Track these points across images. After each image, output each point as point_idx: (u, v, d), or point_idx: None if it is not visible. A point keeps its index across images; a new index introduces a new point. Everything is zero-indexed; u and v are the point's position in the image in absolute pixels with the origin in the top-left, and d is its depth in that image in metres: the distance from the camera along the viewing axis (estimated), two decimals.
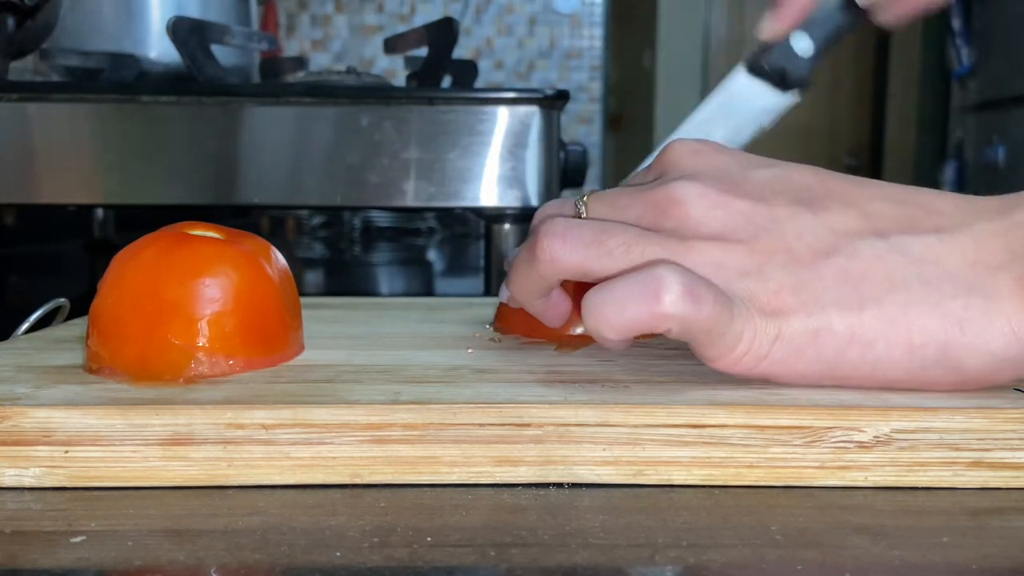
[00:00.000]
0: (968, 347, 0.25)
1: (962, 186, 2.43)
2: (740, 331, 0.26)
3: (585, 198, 0.30)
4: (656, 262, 0.26)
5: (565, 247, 0.27)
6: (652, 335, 0.33)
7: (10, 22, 0.62)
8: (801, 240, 0.26)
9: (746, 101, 0.41)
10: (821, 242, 0.26)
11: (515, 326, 0.36)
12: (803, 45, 0.40)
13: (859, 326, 0.25)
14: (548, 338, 0.35)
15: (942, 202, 0.27)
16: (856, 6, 0.39)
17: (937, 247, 0.26)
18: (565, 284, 0.33)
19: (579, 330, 0.35)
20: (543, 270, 0.28)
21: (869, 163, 3.29)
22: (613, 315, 0.25)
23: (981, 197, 0.27)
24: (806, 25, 0.40)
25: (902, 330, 0.25)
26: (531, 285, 0.30)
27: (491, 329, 0.38)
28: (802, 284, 0.26)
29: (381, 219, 1.23)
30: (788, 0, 0.41)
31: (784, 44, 0.40)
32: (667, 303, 0.25)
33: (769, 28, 0.41)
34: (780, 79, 0.40)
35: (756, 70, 0.41)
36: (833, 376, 0.26)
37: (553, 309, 0.32)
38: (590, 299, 0.26)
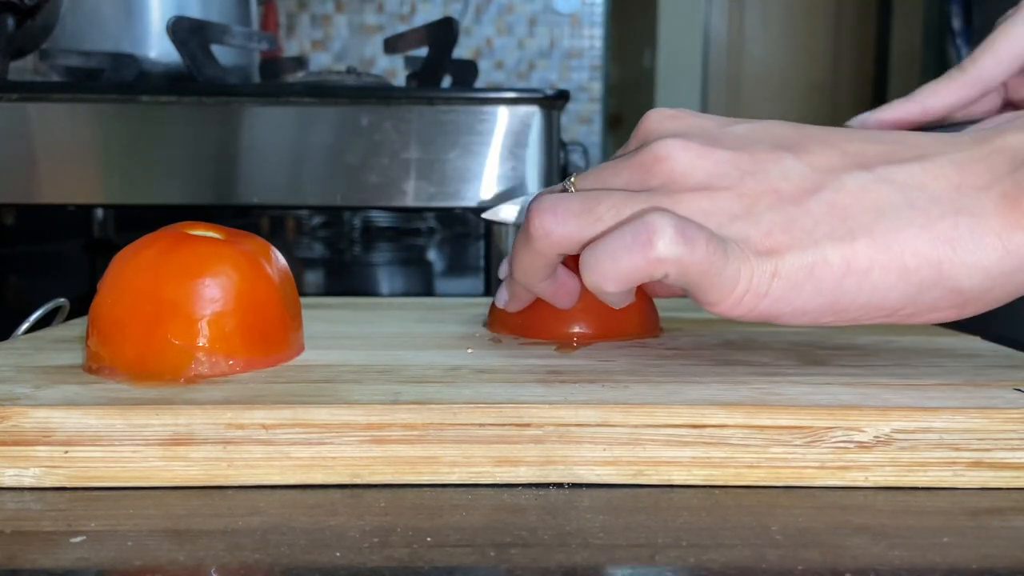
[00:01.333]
0: (962, 265, 0.25)
1: None
2: (737, 270, 0.26)
3: (573, 178, 0.31)
4: (646, 210, 0.26)
5: (556, 219, 0.28)
6: (655, 290, 0.33)
7: (10, 22, 0.62)
8: (787, 180, 0.27)
9: None
10: (807, 180, 0.27)
11: (514, 326, 0.36)
12: None
13: (852, 255, 0.26)
14: (548, 338, 0.35)
15: (919, 137, 0.28)
16: None
17: (920, 175, 0.26)
18: (568, 263, 0.33)
19: (578, 330, 0.35)
20: (539, 246, 0.28)
21: None
22: (609, 267, 0.26)
23: (956, 132, 0.28)
24: None
25: (895, 254, 0.26)
26: (533, 266, 0.30)
27: (486, 329, 0.38)
28: (792, 221, 0.26)
29: (381, 219, 1.23)
30: (886, 110, 0.41)
31: None
32: (660, 247, 0.25)
33: (860, 126, 0.42)
34: None
35: None
36: (834, 309, 0.26)
37: (562, 288, 0.32)
38: (586, 256, 0.26)
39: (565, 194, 0.29)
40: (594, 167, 0.31)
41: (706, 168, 0.27)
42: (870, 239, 0.26)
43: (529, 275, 0.31)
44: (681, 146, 0.28)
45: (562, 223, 0.28)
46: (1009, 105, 0.41)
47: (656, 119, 0.30)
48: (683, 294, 0.28)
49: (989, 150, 0.26)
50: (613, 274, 0.26)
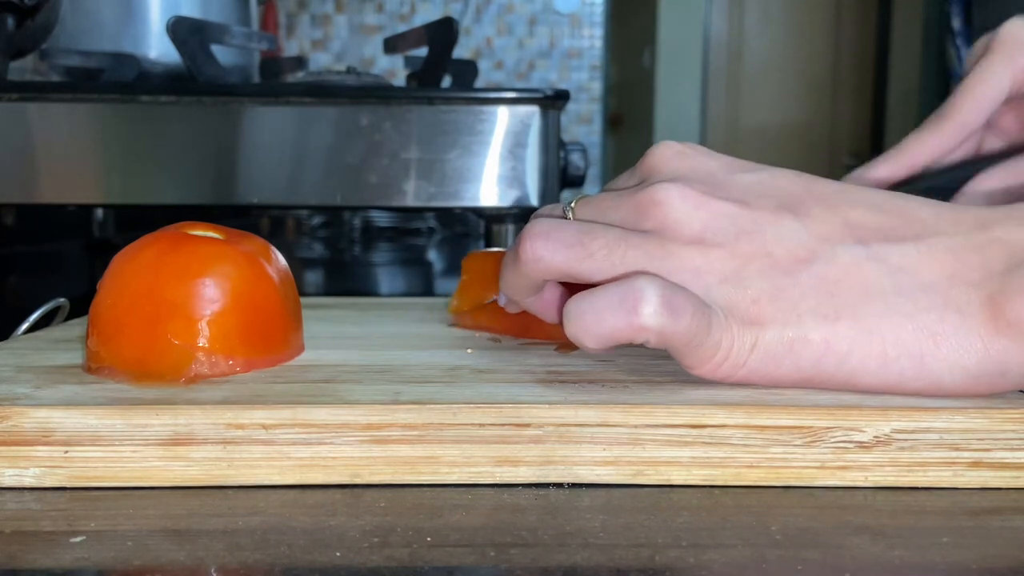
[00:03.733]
0: (943, 361, 0.25)
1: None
2: (718, 341, 0.26)
3: (573, 203, 0.30)
4: (636, 274, 0.26)
5: (547, 247, 0.28)
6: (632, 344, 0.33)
7: (10, 22, 0.62)
8: (782, 245, 0.27)
9: None
10: (802, 248, 0.26)
11: (513, 326, 0.36)
12: None
13: (833, 336, 0.26)
14: (548, 338, 0.35)
15: (923, 210, 0.27)
16: None
17: (915, 256, 0.26)
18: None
19: None
20: (527, 270, 0.28)
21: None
22: (592, 325, 0.26)
23: (962, 207, 0.27)
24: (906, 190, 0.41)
25: (876, 341, 0.26)
26: (519, 284, 0.30)
27: (449, 314, 0.39)
28: (779, 291, 0.26)
29: (381, 219, 1.23)
30: (876, 165, 0.40)
31: None
32: (645, 315, 0.25)
33: (863, 177, 0.41)
34: None
35: None
36: (812, 384, 0.26)
37: (547, 304, 0.32)
38: (571, 308, 0.26)
39: (561, 221, 0.28)
40: (596, 194, 0.31)
41: (702, 220, 0.27)
42: (853, 321, 0.26)
43: (515, 292, 0.31)
44: (679, 194, 0.27)
45: (552, 252, 0.28)
46: (989, 133, 0.41)
47: (662, 155, 0.30)
48: None
49: (988, 239, 0.26)
50: (595, 331, 0.26)
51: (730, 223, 0.27)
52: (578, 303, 0.26)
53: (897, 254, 0.26)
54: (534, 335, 0.35)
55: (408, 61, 0.90)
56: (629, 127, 3.38)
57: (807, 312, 0.26)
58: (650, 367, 0.30)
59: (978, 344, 0.25)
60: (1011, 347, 0.25)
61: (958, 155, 0.41)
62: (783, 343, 0.26)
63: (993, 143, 0.41)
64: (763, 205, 0.27)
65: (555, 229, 0.28)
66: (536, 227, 0.28)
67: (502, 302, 0.35)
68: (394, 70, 1.74)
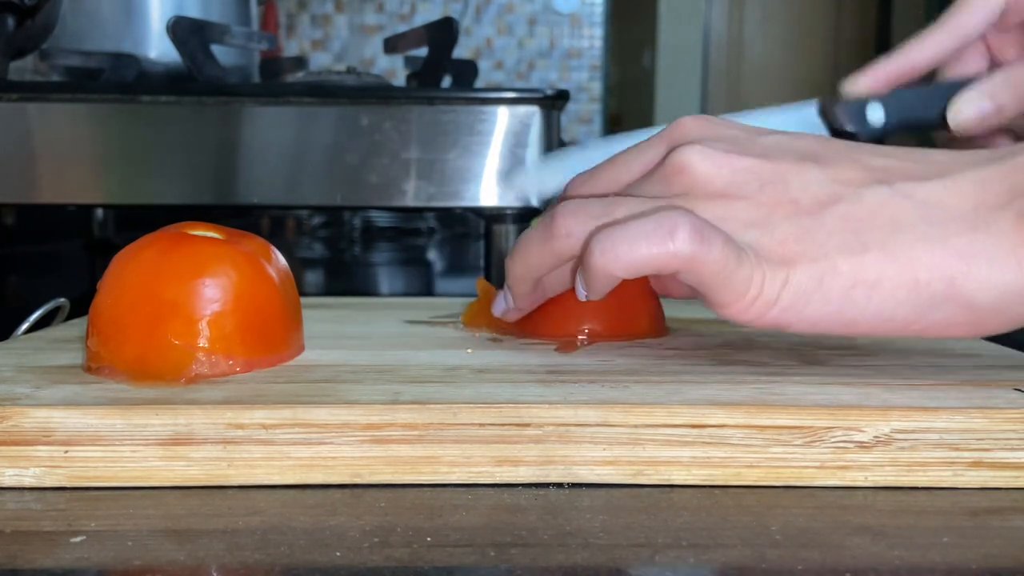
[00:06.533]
0: (975, 280, 0.25)
1: None
2: (749, 275, 0.26)
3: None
4: (667, 207, 0.27)
5: (578, 221, 0.29)
6: (670, 290, 0.34)
7: (10, 22, 0.62)
8: (806, 192, 0.27)
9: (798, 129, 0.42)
10: (825, 192, 0.27)
11: (515, 326, 0.36)
12: (876, 115, 0.41)
13: (862, 267, 0.26)
14: (548, 338, 0.35)
15: (941, 155, 0.28)
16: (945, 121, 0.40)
17: (940, 192, 0.26)
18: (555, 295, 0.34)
19: (586, 329, 0.35)
20: (558, 245, 0.29)
21: None
22: (624, 251, 0.26)
23: (974, 150, 0.28)
24: (888, 99, 0.41)
25: (906, 268, 0.26)
26: (544, 262, 0.31)
27: (462, 323, 0.39)
28: (806, 232, 0.26)
29: (381, 219, 1.23)
30: (877, 66, 0.41)
31: (860, 105, 0.41)
32: (679, 241, 0.26)
33: (852, 86, 0.42)
34: (842, 134, 0.41)
35: (825, 114, 0.42)
36: (842, 320, 0.26)
37: (563, 271, 0.32)
38: (600, 237, 0.27)
39: (588, 199, 0.29)
40: (604, 163, 0.32)
41: (725, 176, 0.28)
42: (881, 252, 0.26)
43: (535, 269, 0.31)
44: (701, 154, 0.28)
45: (582, 224, 0.28)
46: (995, 65, 0.42)
47: (686, 123, 0.30)
48: (698, 296, 0.28)
49: (1010, 168, 0.26)
50: (627, 259, 0.26)
51: (754, 177, 0.28)
52: (609, 232, 0.26)
53: (922, 190, 0.26)
54: (534, 335, 0.35)
55: (408, 61, 0.90)
56: (629, 127, 3.38)
57: (835, 248, 0.26)
58: (650, 367, 0.30)
59: (1011, 259, 0.25)
60: None
61: (966, 70, 0.41)
62: (812, 278, 0.26)
63: None
64: (785, 158, 0.28)
65: (583, 205, 0.29)
66: (567, 206, 0.29)
67: (498, 312, 0.35)
68: (394, 70, 1.74)
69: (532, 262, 0.31)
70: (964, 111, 0.39)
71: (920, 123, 0.41)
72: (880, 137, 0.41)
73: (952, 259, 0.25)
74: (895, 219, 0.26)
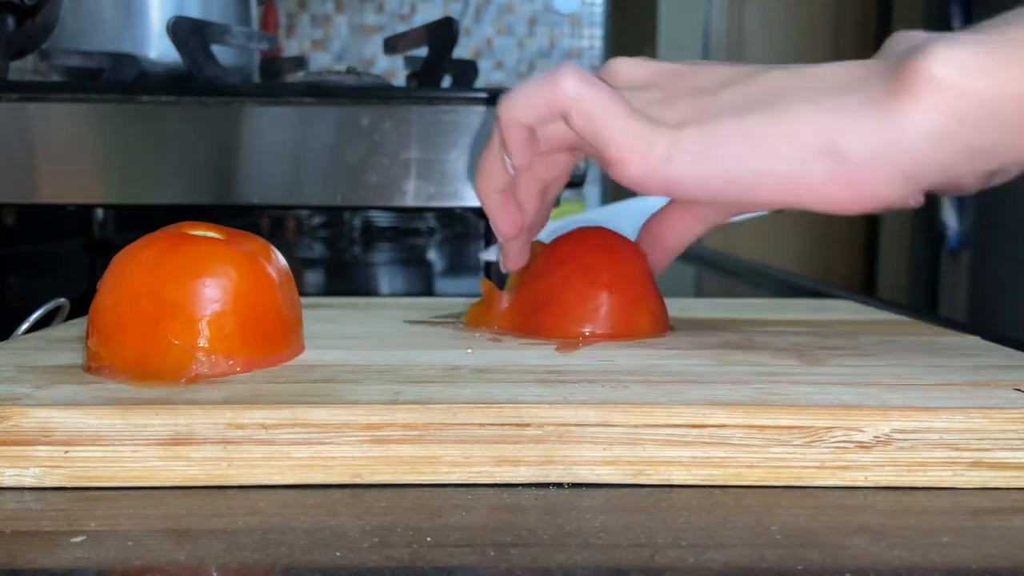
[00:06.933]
0: (849, 133, 0.27)
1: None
2: (639, 128, 0.28)
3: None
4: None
5: (516, 96, 0.31)
6: (665, 234, 0.37)
7: (10, 22, 0.62)
8: (711, 80, 0.30)
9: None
10: (728, 77, 0.30)
11: (515, 326, 0.36)
12: None
13: (745, 124, 0.28)
14: (548, 338, 0.35)
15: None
16: None
17: (828, 70, 0.29)
18: (557, 283, 0.35)
19: (585, 331, 0.35)
20: (505, 120, 0.31)
21: None
22: (521, 97, 0.30)
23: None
24: None
25: (785, 122, 0.28)
26: (496, 165, 0.33)
27: (462, 323, 0.39)
28: (701, 105, 0.29)
29: (381, 219, 1.23)
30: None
31: None
32: (568, 82, 0.29)
33: None
34: None
35: None
36: (727, 178, 0.28)
37: (510, 207, 0.35)
38: (505, 96, 0.30)
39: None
40: None
41: (644, 76, 0.32)
42: (764, 112, 0.28)
43: (491, 178, 0.34)
44: (629, 61, 0.32)
45: (521, 94, 0.31)
46: None
47: (620, 63, 0.33)
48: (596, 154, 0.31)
49: (894, 54, 0.28)
50: (524, 103, 0.30)
51: (670, 75, 0.31)
52: (511, 90, 0.31)
53: (812, 70, 0.29)
54: (534, 335, 0.35)
55: (408, 61, 0.90)
56: None
57: (722, 113, 0.29)
58: (650, 367, 0.30)
59: (880, 111, 0.26)
60: (911, 109, 0.26)
61: None
62: (699, 136, 0.28)
63: None
64: (706, 64, 0.31)
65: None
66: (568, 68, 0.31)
67: (506, 267, 0.37)
68: (394, 70, 1.74)
69: (489, 170, 0.34)
70: None
71: None
72: None
73: (828, 114, 0.27)
74: (782, 89, 0.28)
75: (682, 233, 0.38)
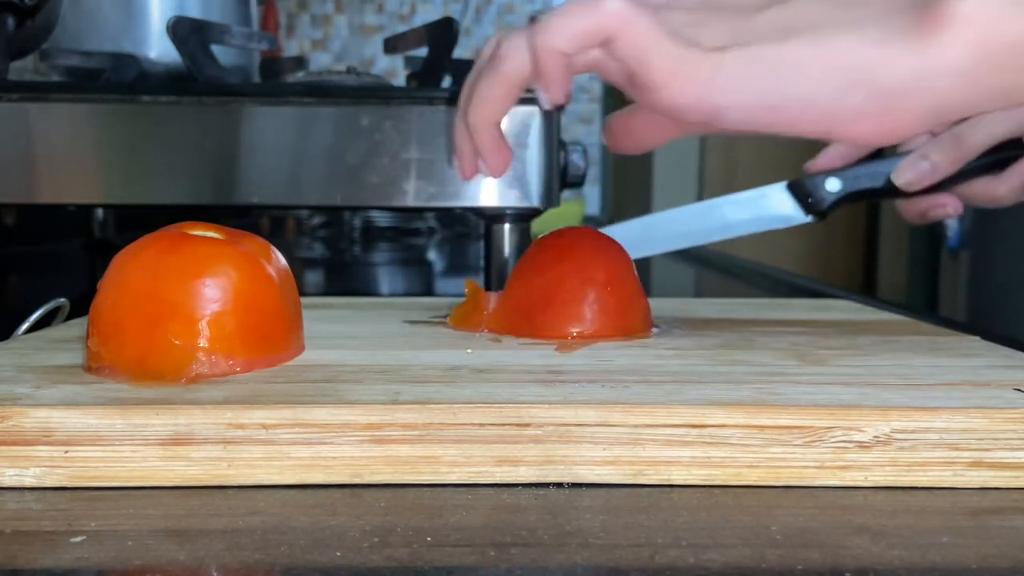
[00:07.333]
0: (885, 61, 0.27)
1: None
2: (682, 53, 0.28)
3: None
4: None
5: (517, 39, 0.30)
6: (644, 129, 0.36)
7: (10, 22, 0.62)
8: (740, 4, 0.30)
9: (771, 206, 0.52)
10: (757, 4, 0.29)
11: (505, 326, 0.37)
12: (833, 187, 0.50)
13: (786, 51, 0.28)
14: (548, 338, 0.35)
15: None
16: (894, 185, 0.49)
17: None
18: (552, 282, 0.35)
19: (579, 330, 0.35)
20: (505, 67, 0.31)
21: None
22: (562, 22, 0.29)
23: None
24: (842, 173, 0.50)
25: (823, 50, 0.28)
26: (497, 93, 0.32)
27: (447, 321, 0.39)
28: (736, 29, 0.29)
29: (381, 219, 1.23)
30: (831, 150, 0.50)
31: (820, 178, 0.51)
32: (612, 3, 0.28)
33: (813, 165, 0.51)
34: (805, 203, 0.51)
35: (792, 188, 0.51)
36: (770, 104, 0.28)
37: (502, 151, 0.34)
38: (541, 21, 0.29)
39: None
40: None
41: None
42: (803, 39, 0.28)
43: (491, 109, 0.32)
44: None
45: (559, 20, 0.30)
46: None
47: None
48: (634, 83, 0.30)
49: None
50: (566, 29, 0.29)
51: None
52: (548, 14, 0.29)
53: None
54: (534, 335, 0.35)
55: (408, 61, 0.90)
56: None
57: (763, 38, 0.28)
58: (650, 367, 0.30)
59: (916, 45, 0.27)
60: (935, 44, 0.26)
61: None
62: (743, 61, 0.28)
63: None
64: None
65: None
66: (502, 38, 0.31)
67: (465, 174, 0.36)
68: (394, 70, 1.74)
69: (489, 96, 0.32)
70: (906, 172, 0.47)
71: (871, 190, 0.50)
72: (835, 203, 0.50)
73: (867, 45, 0.27)
74: (819, 16, 0.29)
75: (657, 135, 0.37)
